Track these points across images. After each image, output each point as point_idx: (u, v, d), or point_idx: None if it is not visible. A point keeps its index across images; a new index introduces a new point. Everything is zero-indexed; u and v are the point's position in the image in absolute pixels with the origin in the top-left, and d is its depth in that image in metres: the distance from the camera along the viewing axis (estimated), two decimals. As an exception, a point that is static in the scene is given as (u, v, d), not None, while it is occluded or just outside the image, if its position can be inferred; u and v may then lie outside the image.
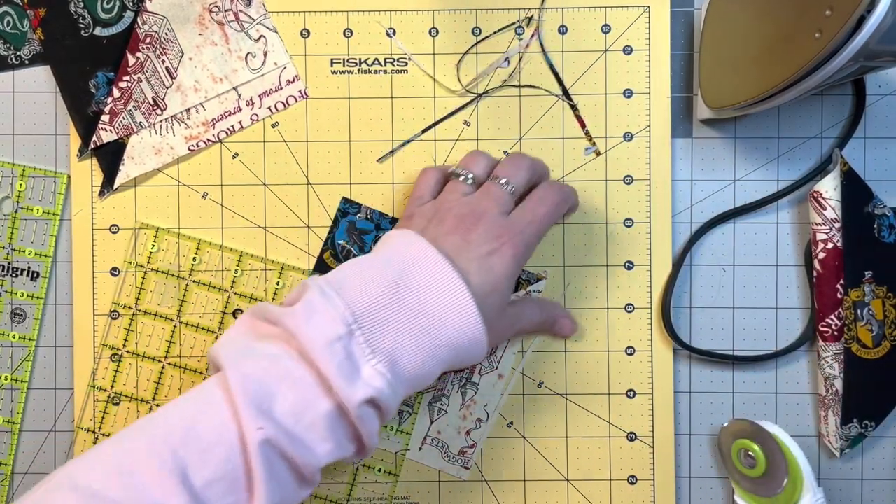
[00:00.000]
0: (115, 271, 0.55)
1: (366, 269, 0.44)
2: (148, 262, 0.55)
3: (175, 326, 0.55)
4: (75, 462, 0.40)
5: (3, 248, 0.55)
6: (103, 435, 0.54)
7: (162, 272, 0.55)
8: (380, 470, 0.55)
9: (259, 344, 0.43)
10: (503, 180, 0.48)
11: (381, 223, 0.55)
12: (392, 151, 0.55)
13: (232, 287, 0.55)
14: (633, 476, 0.55)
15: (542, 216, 0.48)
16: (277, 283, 0.54)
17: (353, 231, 0.55)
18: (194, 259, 0.54)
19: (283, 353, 0.42)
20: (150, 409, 0.55)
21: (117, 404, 0.54)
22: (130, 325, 0.55)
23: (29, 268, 0.55)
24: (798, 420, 0.55)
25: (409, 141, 0.54)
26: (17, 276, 0.55)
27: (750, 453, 0.52)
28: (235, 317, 0.54)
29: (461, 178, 0.50)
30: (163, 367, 0.55)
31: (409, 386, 0.44)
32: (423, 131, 0.54)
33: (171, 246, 0.55)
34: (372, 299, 0.42)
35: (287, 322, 0.42)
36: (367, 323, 0.42)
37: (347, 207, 0.55)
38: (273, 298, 0.54)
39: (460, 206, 0.47)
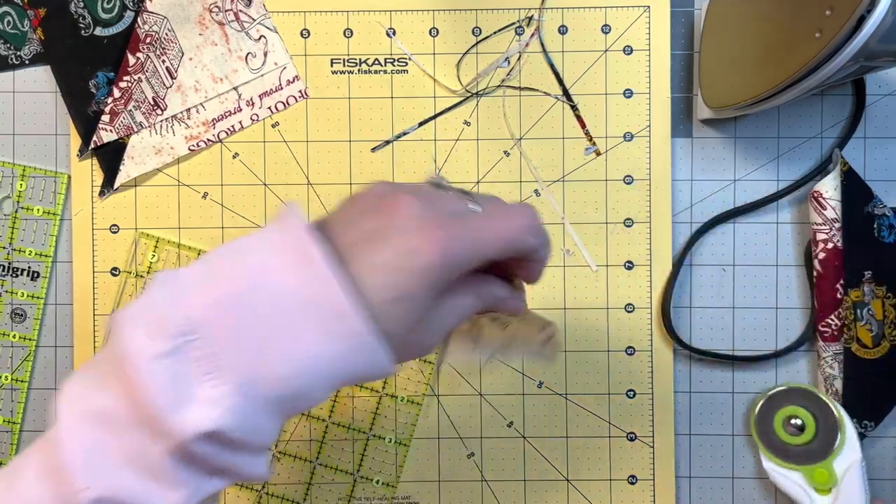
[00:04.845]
0: (115, 271, 0.55)
1: (220, 254, 0.33)
2: (148, 272, 0.55)
3: None
4: None
5: (4, 248, 0.55)
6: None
7: None
8: (377, 482, 0.55)
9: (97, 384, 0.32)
10: (478, 208, 0.35)
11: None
12: (387, 142, 0.55)
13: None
14: (633, 476, 0.55)
15: (505, 232, 0.34)
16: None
17: (354, 231, 0.55)
18: None
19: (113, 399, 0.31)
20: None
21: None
22: None
23: (29, 268, 0.55)
24: (798, 420, 0.55)
25: (405, 133, 0.54)
26: (17, 276, 0.55)
27: (795, 420, 0.53)
28: None
29: (438, 186, 0.36)
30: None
31: (275, 409, 0.32)
32: (421, 124, 0.54)
33: (171, 256, 0.55)
34: (216, 298, 0.31)
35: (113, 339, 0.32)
36: (204, 330, 0.31)
37: (348, 207, 0.55)
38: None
39: (406, 188, 0.34)
